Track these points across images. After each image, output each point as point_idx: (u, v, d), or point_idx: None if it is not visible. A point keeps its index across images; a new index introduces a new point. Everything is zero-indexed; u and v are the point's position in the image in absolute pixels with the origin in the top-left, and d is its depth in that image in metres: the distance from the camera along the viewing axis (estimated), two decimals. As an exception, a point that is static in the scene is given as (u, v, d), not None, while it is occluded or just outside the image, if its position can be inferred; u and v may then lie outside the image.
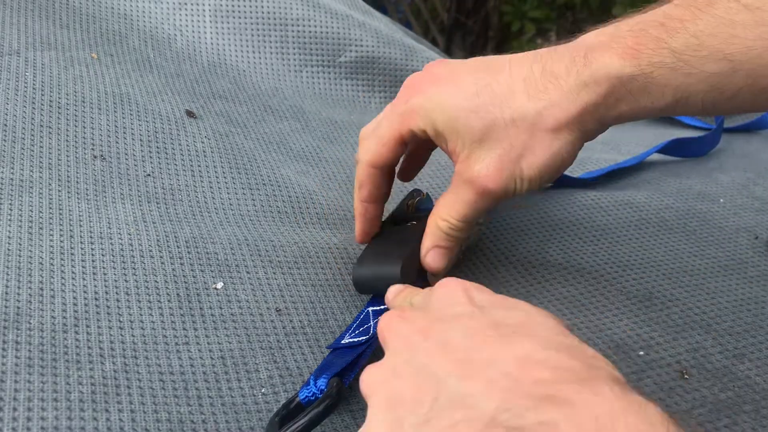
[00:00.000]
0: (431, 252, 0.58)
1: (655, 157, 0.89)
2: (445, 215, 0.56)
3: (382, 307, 0.56)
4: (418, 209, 0.65)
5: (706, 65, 0.49)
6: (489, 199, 0.55)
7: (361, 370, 0.42)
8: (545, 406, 0.33)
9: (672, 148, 0.89)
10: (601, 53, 0.51)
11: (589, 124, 0.53)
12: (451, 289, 0.44)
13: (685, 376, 0.55)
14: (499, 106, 0.53)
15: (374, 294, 0.58)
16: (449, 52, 2.94)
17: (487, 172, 0.54)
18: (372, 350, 0.53)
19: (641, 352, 0.56)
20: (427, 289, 0.48)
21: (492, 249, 0.67)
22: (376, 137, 0.58)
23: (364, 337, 0.52)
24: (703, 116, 1.05)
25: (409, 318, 0.42)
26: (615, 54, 0.51)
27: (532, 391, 0.34)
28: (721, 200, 0.80)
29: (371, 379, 0.40)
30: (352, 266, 0.60)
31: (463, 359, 0.37)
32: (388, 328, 0.43)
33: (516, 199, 0.67)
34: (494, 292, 0.44)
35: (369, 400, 0.40)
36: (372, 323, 0.54)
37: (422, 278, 0.59)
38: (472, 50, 3.12)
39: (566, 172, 0.81)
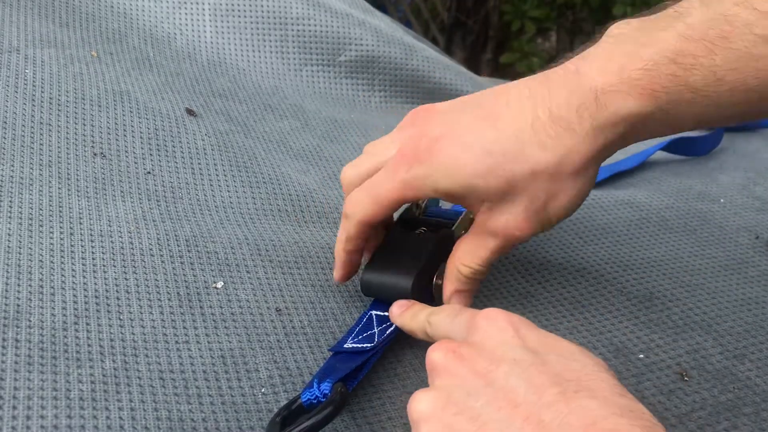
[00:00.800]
0: (455, 297, 0.56)
1: (656, 156, 0.89)
2: (468, 261, 0.55)
3: (386, 313, 0.56)
4: (427, 211, 0.64)
5: (729, 98, 0.48)
6: (515, 244, 0.54)
7: (364, 376, 0.41)
8: None
9: (674, 146, 0.89)
10: (615, 97, 0.49)
11: (606, 156, 0.53)
12: (499, 325, 0.43)
13: (685, 378, 0.55)
14: (514, 162, 0.50)
15: (379, 300, 0.58)
16: (449, 51, 2.94)
17: (515, 224, 0.52)
18: (377, 358, 0.53)
19: (641, 355, 0.56)
20: (461, 316, 0.47)
21: (492, 249, 0.67)
22: (371, 196, 0.54)
23: (368, 345, 0.52)
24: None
25: (465, 357, 0.41)
26: (630, 97, 0.49)
27: None
28: (722, 200, 0.80)
29: (425, 407, 0.40)
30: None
31: (532, 418, 0.36)
32: (442, 366, 0.41)
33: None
34: (538, 327, 0.43)
35: (420, 425, 0.39)
36: (376, 330, 0.54)
37: (428, 290, 0.58)
38: (472, 49, 3.12)
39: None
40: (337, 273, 0.59)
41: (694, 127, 0.52)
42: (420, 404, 0.40)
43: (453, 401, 0.39)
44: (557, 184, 0.51)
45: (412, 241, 0.59)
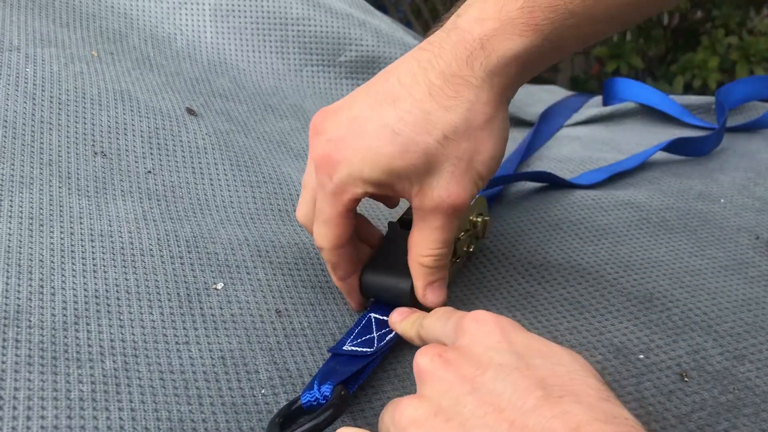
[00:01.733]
0: (428, 291, 0.56)
1: (656, 156, 0.89)
2: (425, 251, 0.54)
3: (385, 318, 0.56)
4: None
5: (605, 11, 0.50)
6: (460, 213, 0.53)
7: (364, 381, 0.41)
8: None
9: (675, 146, 0.89)
10: (500, 40, 0.50)
11: (509, 96, 0.53)
12: (486, 328, 0.43)
13: (685, 379, 0.55)
14: (424, 133, 0.51)
15: (379, 300, 0.58)
16: (449, 50, 2.93)
17: (448, 193, 0.52)
18: (377, 363, 0.53)
19: (641, 356, 0.56)
20: (451, 320, 0.47)
21: (492, 249, 0.67)
22: (322, 223, 0.55)
23: (368, 350, 0.52)
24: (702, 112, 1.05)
25: (452, 362, 0.41)
26: (515, 36, 0.50)
27: None
28: (722, 200, 0.80)
29: (415, 414, 0.40)
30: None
31: (516, 422, 0.36)
32: (429, 371, 0.41)
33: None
34: (526, 330, 0.43)
35: (407, 423, 0.40)
36: (375, 335, 0.54)
37: None
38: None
39: (567, 174, 0.81)
40: (351, 303, 0.59)
41: (578, 48, 0.53)
42: (409, 410, 0.40)
43: (443, 409, 0.39)
44: (472, 141, 0.51)
45: (403, 241, 0.59)
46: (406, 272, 0.56)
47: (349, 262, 0.57)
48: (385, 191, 0.53)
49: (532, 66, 0.52)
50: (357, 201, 0.54)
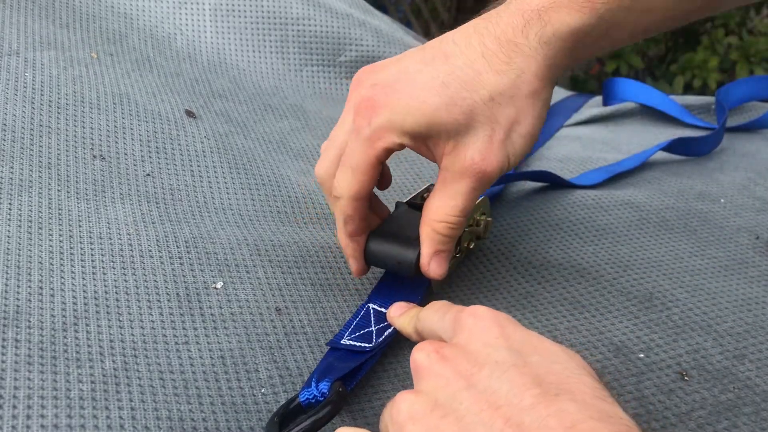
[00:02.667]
0: (433, 260, 0.55)
1: (656, 156, 0.89)
2: (442, 216, 0.54)
3: (383, 310, 0.56)
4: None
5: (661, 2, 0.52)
6: (486, 183, 0.53)
7: (364, 377, 0.41)
8: None
9: (675, 146, 0.89)
10: (557, 11, 0.51)
11: (557, 75, 0.53)
12: (484, 323, 0.42)
13: (685, 378, 0.55)
14: (472, 90, 0.51)
15: (381, 267, 0.58)
16: (449, 52, 2.94)
17: (482, 156, 0.52)
18: (375, 360, 0.53)
19: (641, 355, 0.56)
20: (449, 314, 0.46)
21: (492, 249, 0.67)
22: (348, 169, 0.54)
23: (366, 345, 0.52)
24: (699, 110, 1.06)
25: (449, 358, 0.41)
26: (572, 10, 0.51)
27: None
28: (722, 200, 0.80)
29: (412, 409, 0.39)
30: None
31: (512, 420, 0.36)
32: (425, 367, 0.41)
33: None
34: (523, 326, 0.43)
35: (405, 427, 0.39)
36: (374, 329, 0.54)
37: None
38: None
39: (567, 174, 0.81)
40: (352, 266, 0.58)
41: (631, 38, 0.54)
42: (405, 405, 0.40)
43: (440, 404, 0.39)
44: (516, 108, 0.52)
45: (414, 217, 0.59)
46: (412, 243, 0.56)
47: (362, 219, 0.56)
48: (419, 146, 0.53)
49: (584, 47, 0.53)
50: (390, 152, 0.54)
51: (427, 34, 2.93)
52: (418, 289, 0.58)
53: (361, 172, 0.54)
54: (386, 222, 0.60)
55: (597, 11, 0.51)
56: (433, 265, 0.55)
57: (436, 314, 0.48)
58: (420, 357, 0.42)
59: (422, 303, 0.54)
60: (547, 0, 0.52)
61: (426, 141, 0.53)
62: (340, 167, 0.55)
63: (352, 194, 0.55)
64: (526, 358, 0.40)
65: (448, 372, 0.40)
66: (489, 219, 0.64)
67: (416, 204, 0.60)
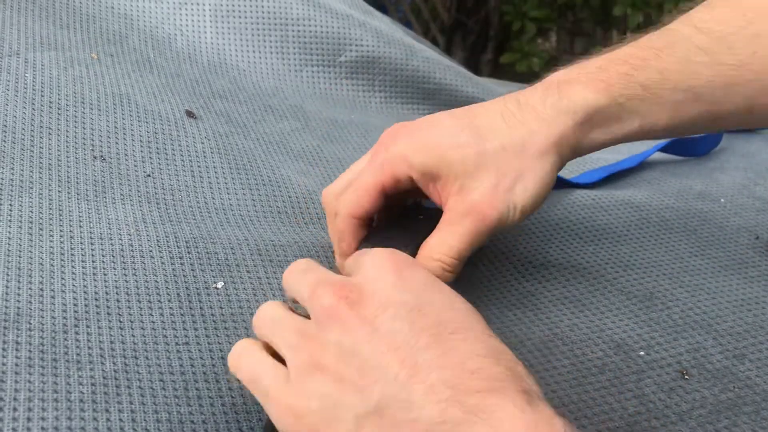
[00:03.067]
0: None
1: (656, 156, 0.89)
2: (438, 254, 0.55)
3: None
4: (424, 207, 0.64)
5: (671, 95, 0.55)
6: (486, 229, 0.54)
7: None
8: (472, 421, 0.37)
9: (673, 146, 0.89)
10: (574, 86, 0.56)
11: (566, 149, 0.56)
12: (383, 268, 0.44)
13: (686, 377, 0.55)
14: (485, 138, 0.55)
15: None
16: (449, 51, 2.94)
17: (482, 200, 0.54)
18: None
19: (642, 353, 0.56)
20: (352, 258, 0.48)
21: (492, 249, 0.67)
22: (355, 188, 0.57)
23: None
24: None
25: (354, 302, 0.42)
26: (588, 87, 0.56)
27: (465, 401, 0.38)
28: (722, 200, 0.80)
29: (320, 359, 0.41)
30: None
31: (407, 361, 0.39)
32: (334, 312, 0.42)
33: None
34: (420, 268, 0.45)
35: (314, 374, 0.41)
36: None
37: None
38: (473, 50, 3.12)
39: (566, 174, 0.81)
40: None
41: (638, 129, 0.57)
42: (317, 353, 0.41)
43: (344, 351, 0.40)
44: (523, 163, 0.55)
45: (411, 223, 0.60)
46: (403, 246, 0.55)
47: (355, 240, 0.58)
48: (427, 183, 0.56)
49: (595, 125, 0.56)
50: (397, 182, 0.56)
51: (427, 35, 2.93)
52: None
53: (365, 192, 0.56)
54: (377, 227, 0.60)
55: (611, 92, 0.55)
56: None
57: (350, 261, 0.49)
58: (328, 301, 0.42)
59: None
60: (567, 75, 0.57)
61: (435, 180, 0.55)
62: (347, 190, 0.58)
63: (349, 211, 0.57)
64: (428, 297, 0.42)
65: (353, 318, 0.41)
66: None
67: (409, 208, 0.61)
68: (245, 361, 0.44)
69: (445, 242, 0.55)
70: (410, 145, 0.56)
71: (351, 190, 0.57)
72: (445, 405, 0.38)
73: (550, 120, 0.55)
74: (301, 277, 0.46)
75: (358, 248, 0.58)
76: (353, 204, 0.57)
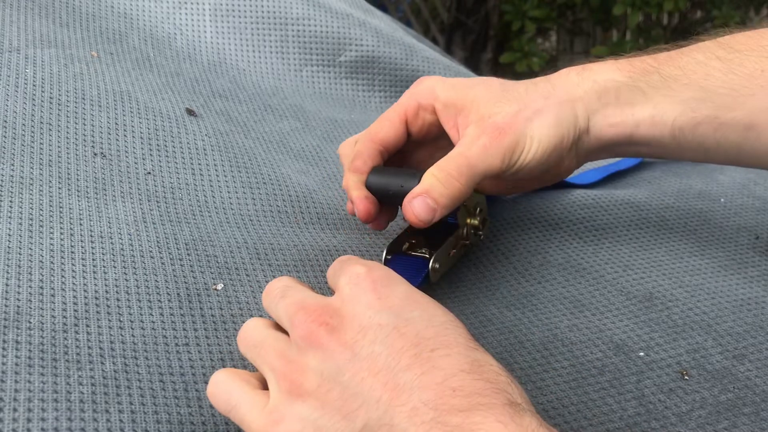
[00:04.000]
0: (420, 198, 0.56)
1: (656, 156, 0.88)
2: (447, 168, 0.56)
3: None
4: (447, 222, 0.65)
5: (685, 91, 0.58)
6: (497, 149, 0.57)
7: None
8: None
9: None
10: (599, 65, 0.61)
11: (582, 111, 0.60)
12: (360, 287, 0.44)
13: (685, 377, 0.55)
14: (516, 84, 0.61)
15: (380, 198, 0.59)
16: (449, 51, 2.94)
17: (503, 120, 0.58)
18: None
19: (641, 353, 0.56)
20: (332, 269, 0.48)
21: (492, 249, 0.67)
22: (379, 119, 0.62)
23: None
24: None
25: (335, 328, 0.42)
26: (611, 67, 0.60)
27: (448, 422, 0.37)
28: (722, 200, 0.80)
29: (304, 384, 0.41)
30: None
31: (389, 383, 0.39)
32: (315, 339, 0.42)
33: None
34: (398, 281, 0.45)
35: (297, 402, 0.41)
36: None
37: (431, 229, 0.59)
38: (473, 49, 3.12)
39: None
40: (357, 202, 0.60)
41: (649, 119, 0.60)
42: (298, 377, 0.42)
43: (325, 378, 0.41)
44: (547, 103, 0.59)
45: (431, 232, 0.62)
46: (412, 174, 0.58)
47: (370, 158, 0.61)
48: (449, 116, 0.60)
49: (606, 108, 0.60)
50: (420, 109, 0.62)
51: (427, 34, 2.93)
52: (415, 279, 0.58)
53: (387, 118, 0.62)
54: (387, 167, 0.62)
55: (632, 75, 0.59)
56: (415, 204, 0.56)
57: (333, 270, 0.49)
58: (309, 328, 0.42)
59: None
60: (592, 63, 0.62)
61: (458, 112, 0.60)
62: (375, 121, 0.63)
63: (371, 135, 0.61)
64: (407, 315, 0.42)
65: (333, 344, 0.41)
66: (486, 218, 0.65)
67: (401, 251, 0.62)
68: (221, 390, 0.44)
69: (457, 157, 0.57)
70: (439, 81, 0.61)
71: (376, 121, 0.62)
72: (428, 427, 0.37)
73: (574, 83, 0.60)
74: (280, 300, 0.46)
75: (375, 214, 0.60)
76: (374, 127, 0.61)
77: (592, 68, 0.61)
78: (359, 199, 0.59)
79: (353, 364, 0.40)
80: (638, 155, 0.64)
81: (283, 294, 0.46)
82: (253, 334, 0.45)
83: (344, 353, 0.41)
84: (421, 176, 0.57)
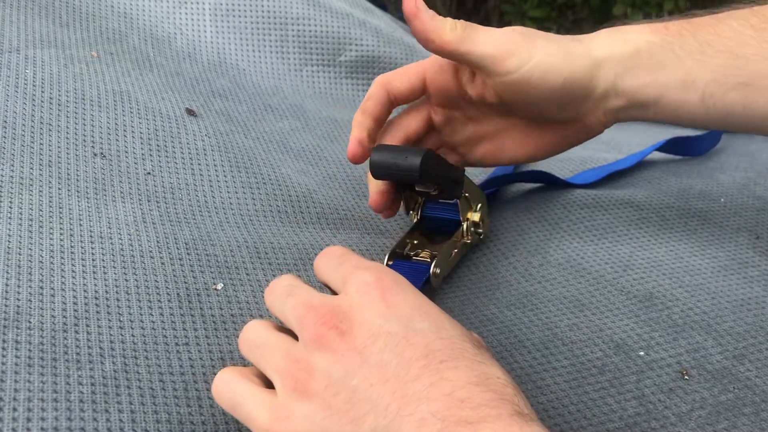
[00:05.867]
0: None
1: (656, 156, 0.88)
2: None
3: None
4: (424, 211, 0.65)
5: (718, 57, 0.58)
6: (495, 36, 0.59)
7: None
8: None
9: (671, 146, 0.89)
10: (632, 27, 0.60)
11: (609, 70, 0.59)
12: (369, 294, 0.43)
13: (685, 377, 0.55)
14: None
15: (385, 172, 0.58)
16: (449, 50, 2.93)
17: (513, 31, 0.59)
18: None
19: (641, 353, 0.56)
20: (338, 271, 0.47)
21: (492, 249, 0.67)
22: (404, 67, 0.64)
23: None
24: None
25: (345, 332, 0.42)
26: (645, 29, 0.60)
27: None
28: (722, 200, 0.80)
29: (311, 384, 0.41)
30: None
31: (398, 392, 0.39)
32: (325, 340, 0.42)
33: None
34: (408, 289, 0.44)
35: (302, 401, 0.41)
36: None
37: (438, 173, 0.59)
38: (472, 48, 3.11)
39: (566, 174, 0.81)
40: (355, 144, 0.62)
41: (680, 83, 0.59)
42: (304, 377, 0.41)
43: (333, 381, 0.40)
44: (560, 43, 0.59)
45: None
46: (416, 151, 0.57)
47: (378, 104, 0.63)
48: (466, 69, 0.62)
49: (645, 68, 0.59)
50: (441, 69, 0.63)
51: (427, 33, 2.93)
52: (416, 284, 0.58)
53: (405, 69, 0.64)
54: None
55: (666, 38, 0.59)
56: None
57: (329, 267, 0.48)
58: (319, 330, 0.42)
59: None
60: (626, 25, 0.61)
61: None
62: None
63: (382, 80, 0.63)
64: (416, 325, 0.42)
65: (343, 347, 0.41)
66: (486, 218, 0.65)
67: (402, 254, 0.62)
68: (226, 388, 0.44)
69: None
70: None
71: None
72: None
73: (602, 40, 0.60)
74: (286, 299, 0.45)
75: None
76: (389, 74, 0.63)
77: (624, 29, 0.60)
78: (372, 193, 0.62)
79: (362, 369, 0.40)
80: (665, 119, 0.63)
81: (289, 292, 0.46)
82: (255, 335, 0.45)
83: (354, 358, 0.41)
84: (424, 153, 0.56)
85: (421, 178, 0.56)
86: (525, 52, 0.58)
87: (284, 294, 0.46)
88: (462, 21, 0.59)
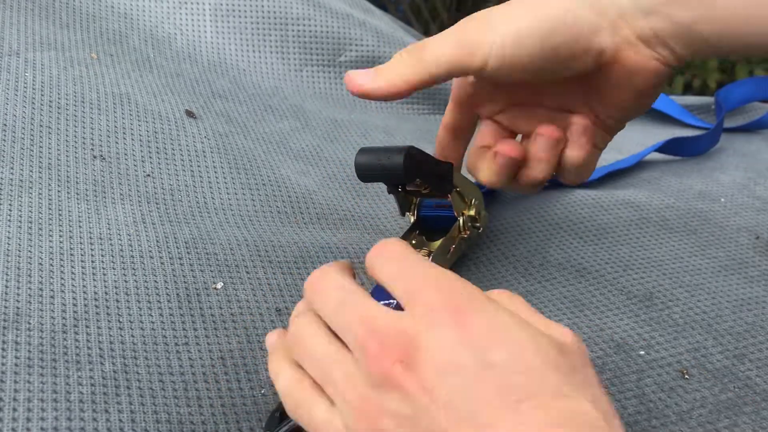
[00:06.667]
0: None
1: (656, 156, 0.88)
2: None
3: (389, 301, 0.56)
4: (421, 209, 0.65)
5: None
6: (456, 33, 0.54)
7: None
8: None
9: (670, 146, 0.89)
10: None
11: (641, 19, 0.52)
12: (440, 316, 0.39)
13: (686, 377, 0.55)
14: None
15: (369, 174, 0.56)
16: (450, 51, 2.93)
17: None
18: None
19: (642, 352, 0.56)
20: (399, 286, 0.42)
21: (492, 249, 0.67)
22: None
23: None
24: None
25: (409, 366, 0.38)
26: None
27: None
28: (722, 200, 0.80)
29: (368, 410, 0.38)
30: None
31: None
32: (393, 378, 0.38)
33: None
34: (485, 305, 0.39)
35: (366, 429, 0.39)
36: None
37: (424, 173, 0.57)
38: (473, 49, 3.11)
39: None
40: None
41: (720, 19, 0.51)
42: (383, 420, 0.38)
43: (403, 419, 0.37)
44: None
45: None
46: (398, 149, 0.54)
47: (449, 146, 0.61)
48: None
49: (681, 3, 0.51)
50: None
51: (427, 34, 2.93)
52: None
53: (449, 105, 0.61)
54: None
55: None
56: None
57: (390, 275, 0.43)
58: (383, 366, 0.38)
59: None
60: None
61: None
62: None
63: (444, 122, 0.62)
64: (491, 356, 0.37)
65: (409, 385, 0.37)
66: (483, 211, 0.65)
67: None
68: (295, 400, 0.41)
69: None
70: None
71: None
72: None
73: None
74: (338, 308, 0.41)
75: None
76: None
77: None
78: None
79: (431, 411, 0.37)
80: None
81: (341, 300, 0.41)
82: (310, 344, 0.41)
83: (422, 398, 0.37)
84: (407, 149, 0.54)
85: (406, 174, 0.54)
86: (482, 37, 0.53)
87: (335, 300, 0.41)
88: (407, 48, 0.55)
